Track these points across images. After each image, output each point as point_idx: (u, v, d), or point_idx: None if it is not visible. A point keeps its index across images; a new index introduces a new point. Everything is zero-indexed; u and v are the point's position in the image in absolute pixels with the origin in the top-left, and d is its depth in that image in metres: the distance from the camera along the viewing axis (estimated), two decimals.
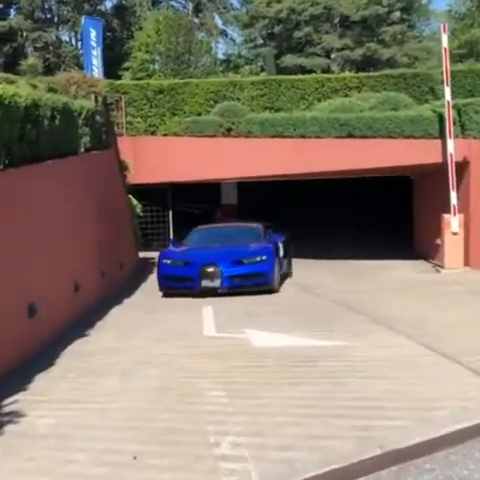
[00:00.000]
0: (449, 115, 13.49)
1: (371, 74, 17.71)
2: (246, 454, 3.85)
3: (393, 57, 34.92)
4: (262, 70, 35.44)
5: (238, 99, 16.54)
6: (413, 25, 38.89)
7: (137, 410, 4.80)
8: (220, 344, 7.18)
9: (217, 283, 11.18)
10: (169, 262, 11.48)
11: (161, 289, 11.43)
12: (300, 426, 4.23)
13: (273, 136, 14.89)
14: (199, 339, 7.57)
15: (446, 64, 13.59)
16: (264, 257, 11.46)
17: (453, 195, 13.69)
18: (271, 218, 14.81)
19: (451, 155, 13.59)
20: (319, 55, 36.47)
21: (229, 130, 15.26)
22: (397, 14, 37.29)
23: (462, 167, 13.89)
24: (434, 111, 14.24)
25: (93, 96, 12.88)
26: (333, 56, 36.62)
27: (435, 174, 14.67)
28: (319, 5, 35.49)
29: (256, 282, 11.25)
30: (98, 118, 12.06)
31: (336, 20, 36.53)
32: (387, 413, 4.38)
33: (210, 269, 11.26)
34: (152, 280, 12.27)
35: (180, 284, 11.26)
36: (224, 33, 43.55)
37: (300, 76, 18.11)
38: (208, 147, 15.12)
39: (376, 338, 6.63)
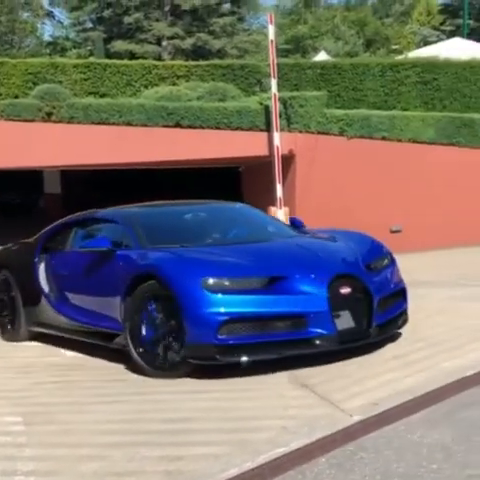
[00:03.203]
0: (275, 108, 13.44)
1: (200, 63, 17.33)
2: None
3: (223, 48, 35.03)
4: (91, 54, 34.27)
5: (60, 82, 15.52)
6: (243, 18, 39.29)
7: None
8: (29, 355, 6.49)
9: (362, 321, 5.33)
10: (226, 284, 5.08)
11: (218, 356, 4.97)
12: (102, 460, 3.64)
13: (97, 123, 14.14)
14: (6, 348, 6.82)
15: (272, 56, 13.49)
16: (388, 257, 6.12)
17: (278, 188, 13.72)
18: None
19: (277, 148, 13.56)
20: (150, 42, 35.89)
21: (49, 115, 14.27)
22: (227, 6, 37.50)
23: (288, 160, 13.94)
24: (261, 103, 14.14)
25: None
26: (164, 44, 36.10)
27: (262, 166, 14.61)
28: None
29: (399, 309, 5.91)
30: None
31: (167, 8, 36.02)
32: (202, 437, 3.90)
33: (346, 289, 5.31)
34: None
35: (271, 336, 5.07)
36: (51, 14, 41.72)
37: (126, 61, 17.35)
38: (26, 132, 14.04)
39: None
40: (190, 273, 5.15)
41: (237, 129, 14.00)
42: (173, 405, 4.56)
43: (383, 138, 14.07)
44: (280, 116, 13.63)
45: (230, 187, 17.75)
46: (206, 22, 36.05)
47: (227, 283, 5.07)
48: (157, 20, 35.76)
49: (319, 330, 5.08)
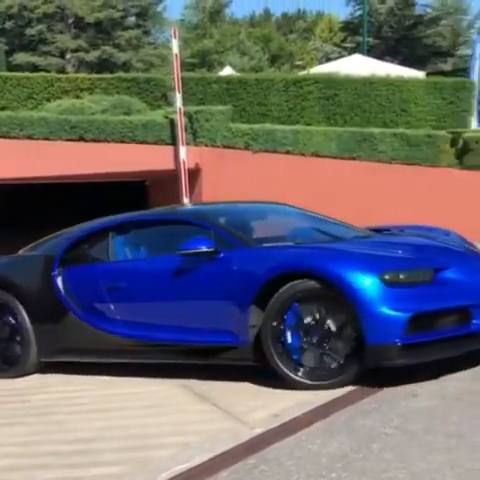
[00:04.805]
0: (181, 122, 13.49)
1: (104, 76, 17.19)
2: None
3: (129, 61, 34.87)
4: None
5: None
6: (148, 31, 39.27)
7: None
8: None
9: None
10: (401, 278, 4.64)
11: (402, 357, 4.53)
12: None
13: None
14: None
15: (177, 70, 13.54)
16: None
17: (185, 201, 13.74)
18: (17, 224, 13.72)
19: (183, 162, 13.60)
20: (54, 55, 35.36)
21: None
22: (132, 19, 37.40)
23: (194, 174, 13.99)
24: (166, 117, 14.15)
25: None
26: (68, 57, 35.63)
27: (169, 180, 14.60)
28: (52, 4, 34.33)
29: None
30: None
31: (70, 20, 35.59)
32: (103, 457, 3.83)
33: None
34: None
35: (442, 332, 4.68)
36: None
37: (28, 74, 16.99)
38: None
39: None
40: (365, 268, 4.59)
41: (142, 143, 13.94)
42: (71, 426, 4.46)
43: (287, 152, 14.34)
44: (186, 130, 13.68)
45: (136, 201, 17.61)
46: (111, 35, 35.82)
47: (402, 277, 4.63)
48: (61, 32, 35.27)
49: None
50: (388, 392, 4.56)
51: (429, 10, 35.67)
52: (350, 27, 35.85)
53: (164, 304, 5.33)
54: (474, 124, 17.54)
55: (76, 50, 34.82)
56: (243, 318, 4.85)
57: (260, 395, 4.73)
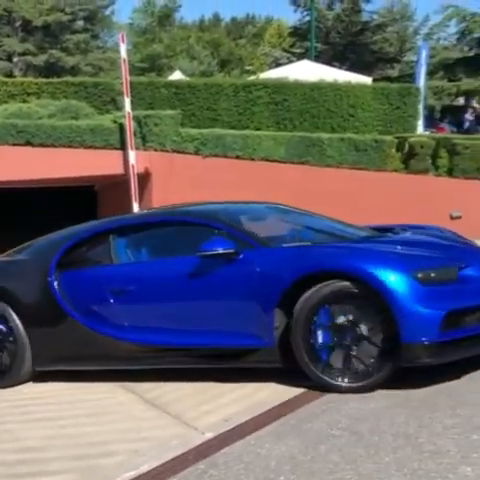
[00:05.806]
0: (129, 126, 13.42)
1: (51, 80, 16.99)
2: None
3: (77, 65, 34.57)
4: None
5: None
6: (97, 35, 38.99)
7: None
8: None
9: None
10: (432, 276, 4.61)
11: (437, 355, 4.50)
12: None
13: None
14: None
15: (125, 75, 13.47)
16: None
17: (135, 206, 13.66)
18: None
19: (132, 166, 13.52)
20: (0, 58, 34.87)
21: None
22: (80, 23, 37.09)
23: (144, 178, 13.91)
24: (115, 121, 14.06)
25: None
26: (15, 60, 35.15)
27: (118, 185, 14.50)
28: None
29: None
30: None
31: (18, 23, 35.12)
32: (51, 466, 3.80)
33: None
34: None
35: (470, 330, 4.65)
36: None
37: None
38: None
39: None
40: (398, 267, 4.54)
41: (91, 147, 13.81)
42: (18, 434, 4.40)
43: (237, 157, 14.38)
44: (135, 135, 13.60)
45: (84, 206, 17.43)
46: (59, 38, 35.48)
47: (433, 275, 4.60)
48: (8, 35, 34.78)
49: None
50: (336, 394, 4.61)
51: (375, 16, 36.22)
52: (299, 33, 36.15)
53: (179, 307, 5.09)
54: (420, 129, 17.90)
55: (23, 53, 34.39)
56: (267, 320, 4.72)
57: (210, 400, 4.74)
